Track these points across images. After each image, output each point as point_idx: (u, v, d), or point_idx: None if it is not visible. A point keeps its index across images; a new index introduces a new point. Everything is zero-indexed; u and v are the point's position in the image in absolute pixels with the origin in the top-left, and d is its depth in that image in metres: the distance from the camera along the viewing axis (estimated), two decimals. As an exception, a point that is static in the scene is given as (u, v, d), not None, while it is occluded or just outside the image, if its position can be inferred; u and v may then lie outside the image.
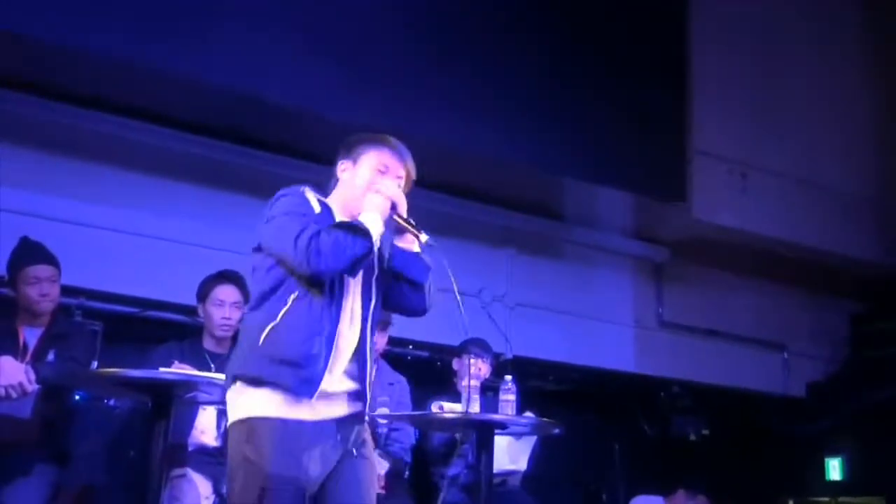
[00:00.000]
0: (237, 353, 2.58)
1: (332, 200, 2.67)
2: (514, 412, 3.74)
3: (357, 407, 2.54)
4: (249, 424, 2.42)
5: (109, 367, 3.46)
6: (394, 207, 2.59)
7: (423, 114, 5.25)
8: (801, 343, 7.33)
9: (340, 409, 2.52)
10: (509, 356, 5.74)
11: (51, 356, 3.74)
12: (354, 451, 2.52)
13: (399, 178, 2.67)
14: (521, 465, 4.61)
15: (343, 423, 2.52)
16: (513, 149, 5.61)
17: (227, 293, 4.10)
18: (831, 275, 7.15)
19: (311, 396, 2.41)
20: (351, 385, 2.53)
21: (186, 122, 5.17)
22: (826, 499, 7.30)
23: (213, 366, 4.00)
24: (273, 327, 2.44)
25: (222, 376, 3.41)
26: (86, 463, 4.41)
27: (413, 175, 2.71)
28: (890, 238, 7.09)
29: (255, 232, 2.62)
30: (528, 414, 4.19)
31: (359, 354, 2.54)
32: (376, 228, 2.52)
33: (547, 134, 5.67)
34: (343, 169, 2.70)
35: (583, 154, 5.85)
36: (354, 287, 2.57)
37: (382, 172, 2.65)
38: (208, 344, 4.13)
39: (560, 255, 6.53)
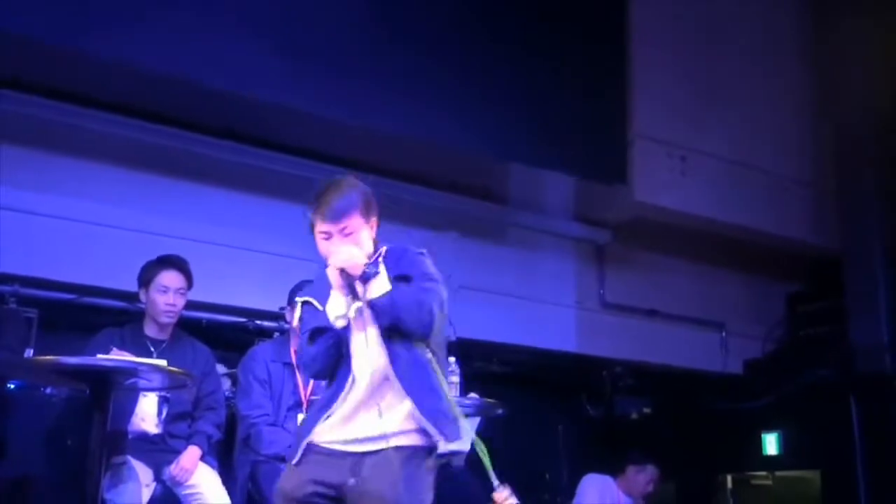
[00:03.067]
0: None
1: None
2: (458, 393, 3.75)
3: None
4: None
5: (46, 354, 3.39)
6: (342, 272, 2.56)
7: (365, 99, 5.23)
8: (738, 322, 7.47)
9: None
10: (453, 338, 5.74)
11: (-18, 344, 3.66)
12: None
13: (328, 235, 2.64)
14: (465, 445, 4.61)
15: None
16: (455, 133, 5.61)
17: (171, 279, 4.04)
18: (768, 256, 7.30)
19: None
20: None
21: (124, 107, 5.08)
22: (763, 473, 7.46)
23: (154, 352, 3.95)
24: None
25: (163, 362, 3.40)
26: (22, 453, 4.32)
27: (335, 216, 2.62)
28: (823, 220, 7.26)
29: None
30: (473, 395, 4.21)
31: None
32: (335, 311, 2.58)
33: (489, 118, 5.69)
34: None
35: (525, 138, 5.88)
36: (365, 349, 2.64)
37: (326, 239, 2.64)
38: (150, 330, 4.08)
39: (503, 238, 6.55)
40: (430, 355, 2.58)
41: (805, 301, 7.60)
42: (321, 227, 2.63)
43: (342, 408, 2.59)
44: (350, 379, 2.60)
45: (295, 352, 4.15)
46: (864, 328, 6.73)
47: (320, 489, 2.52)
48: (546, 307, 6.64)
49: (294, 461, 2.60)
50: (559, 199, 6.53)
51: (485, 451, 2.66)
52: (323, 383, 4.20)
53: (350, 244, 2.59)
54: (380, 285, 2.53)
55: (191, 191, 5.38)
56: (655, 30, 6.71)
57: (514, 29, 5.86)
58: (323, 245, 2.64)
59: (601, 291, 6.96)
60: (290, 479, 2.59)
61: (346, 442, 2.57)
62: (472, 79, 5.61)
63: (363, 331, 2.62)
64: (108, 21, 4.46)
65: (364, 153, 5.71)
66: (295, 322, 2.67)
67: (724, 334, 7.41)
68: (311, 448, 2.59)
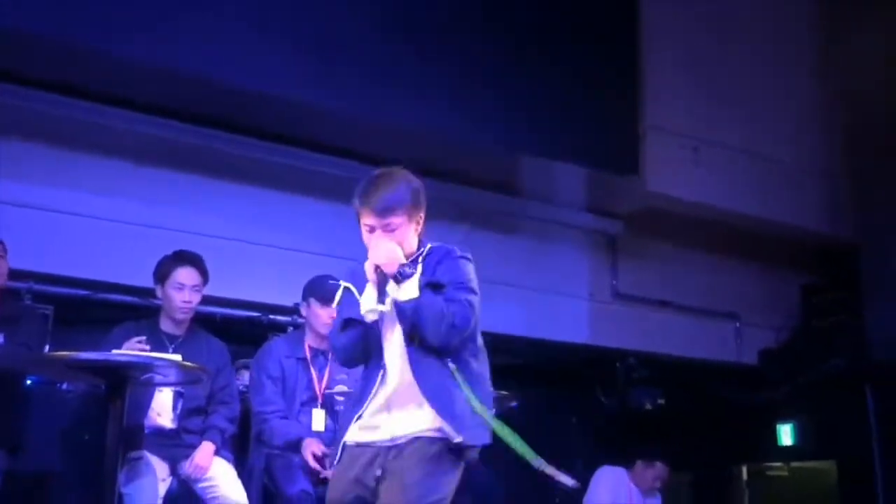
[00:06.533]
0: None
1: None
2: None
3: None
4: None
5: (61, 350, 3.41)
6: (378, 268, 2.51)
7: (379, 92, 5.25)
8: (752, 313, 7.45)
9: None
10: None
11: (0, 339, 3.67)
12: None
13: (372, 228, 2.58)
14: (481, 440, 4.61)
15: None
16: (467, 125, 5.61)
17: (187, 276, 4.05)
18: (782, 246, 7.27)
19: None
20: None
21: (138, 103, 5.10)
22: (779, 464, 7.46)
23: (170, 347, 3.97)
24: None
25: (178, 357, 3.41)
26: (39, 449, 4.35)
27: (381, 211, 2.57)
28: (838, 209, 7.22)
29: None
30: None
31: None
32: (367, 305, 2.52)
33: (501, 110, 5.69)
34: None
35: (536, 129, 5.88)
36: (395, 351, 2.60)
37: (369, 232, 2.59)
38: (165, 325, 4.09)
39: (514, 230, 6.55)
40: (451, 364, 2.52)
41: (819, 291, 7.58)
42: (366, 219, 2.59)
43: (373, 404, 2.57)
44: (381, 374, 2.57)
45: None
46: (879, 317, 6.71)
47: (359, 490, 2.52)
48: (558, 299, 6.64)
49: (336, 462, 2.62)
50: (571, 191, 6.52)
51: (511, 433, 2.63)
52: (339, 376, 4.26)
53: (391, 241, 2.55)
54: (409, 290, 2.50)
55: (204, 186, 5.40)
56: (667, 22, 6.69)
57: (527, 23, 5.86)
58: (365, 236, 2.59)
59: (614, 282, 6.95)
60: (335, 487, 2.58)
61: (374, 437, 2.56)
62: (484, 72, 5.61)
63: (393, 329, 2.58)
64: (134, 22, 4.49)
65: (377, 147, 5.71)
66: (334, 304, 2.66)
67: (738, 325, 7.39)
68: (346, 448, 2.60)
